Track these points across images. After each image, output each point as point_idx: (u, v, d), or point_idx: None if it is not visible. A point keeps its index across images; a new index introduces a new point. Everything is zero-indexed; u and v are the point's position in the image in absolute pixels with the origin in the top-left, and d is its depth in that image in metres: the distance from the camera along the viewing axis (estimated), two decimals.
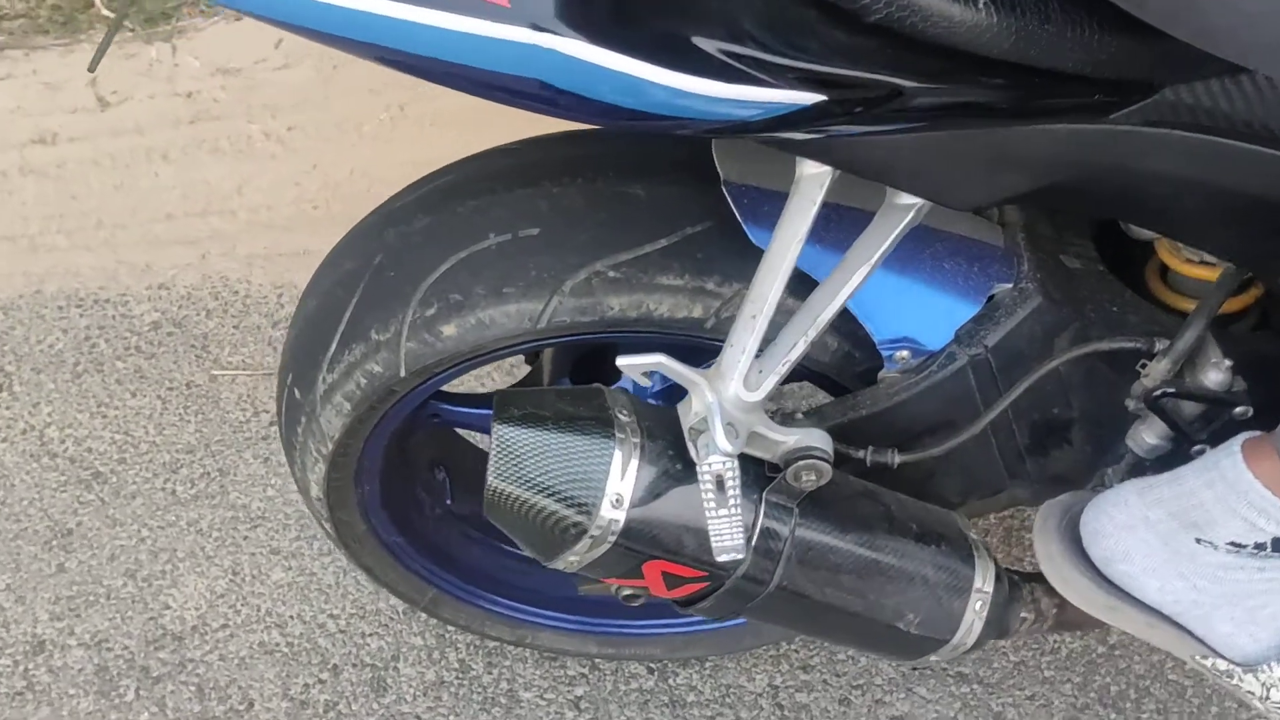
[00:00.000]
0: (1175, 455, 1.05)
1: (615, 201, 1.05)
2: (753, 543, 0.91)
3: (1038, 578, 1.13)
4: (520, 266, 1.03)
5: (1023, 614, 1.09)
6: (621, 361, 0.86)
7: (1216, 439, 1.00)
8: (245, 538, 1.74)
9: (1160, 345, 0.99)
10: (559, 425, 0.91)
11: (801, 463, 0.89)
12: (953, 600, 1.00)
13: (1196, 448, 1.03)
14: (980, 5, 0.69)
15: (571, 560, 0.93)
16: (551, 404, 0.93)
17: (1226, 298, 0.97)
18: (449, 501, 1.39)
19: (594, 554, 0.91)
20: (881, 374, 1.04)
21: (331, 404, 1.13)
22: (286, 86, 2.28)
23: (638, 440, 0.89)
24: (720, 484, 0.86)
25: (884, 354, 1.02)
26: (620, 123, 0.73)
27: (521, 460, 0.90)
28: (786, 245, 0.85)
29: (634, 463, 0.89)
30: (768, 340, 0.91)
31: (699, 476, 0.87)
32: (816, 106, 0.72)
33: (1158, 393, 0.98)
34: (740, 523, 0.87)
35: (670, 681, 1.54)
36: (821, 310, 0.89)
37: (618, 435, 0.89)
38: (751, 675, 1.53)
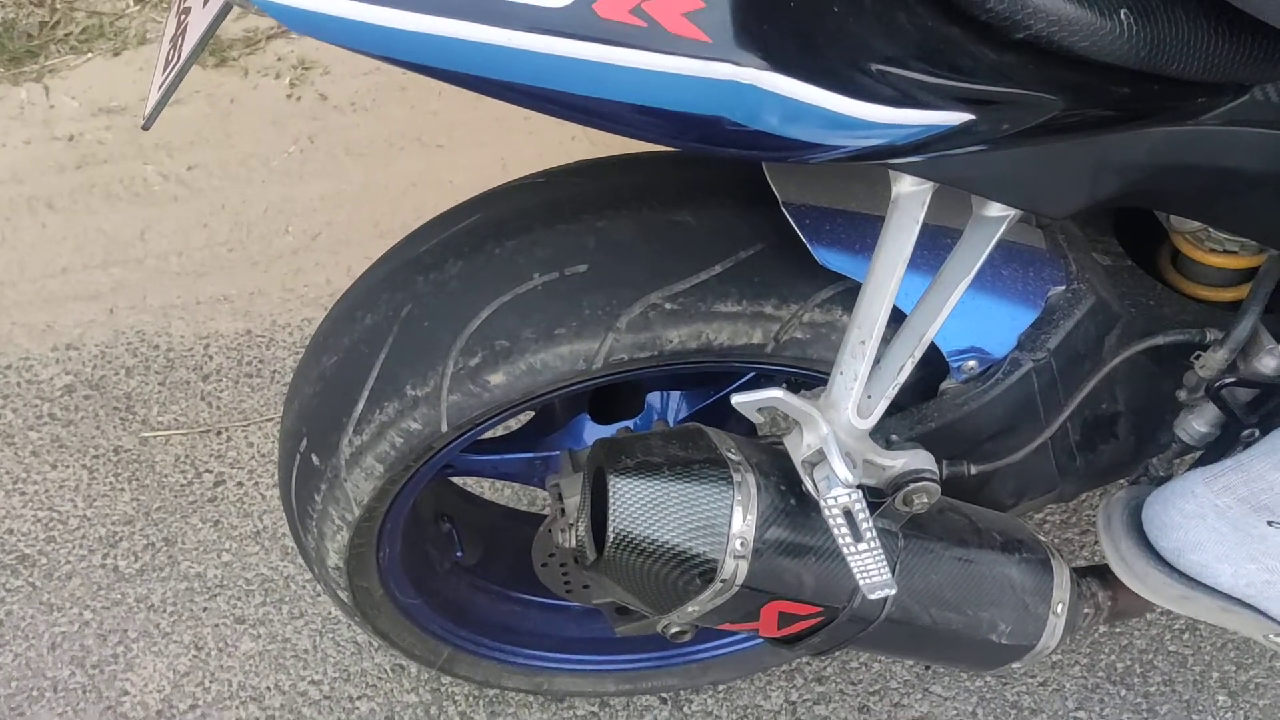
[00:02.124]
0: (1222, 441, 1.07)
1: (664, 230, 1.00)
2: None
3: (1092, 571, 1.14)
4: (571, 305, 0.98)
5: (1085, 609, 1.10)
6: (738, 400, 0.82)
7: (1266, 423, 1.02)
8: (204, 609, 1.63)
9: (1213, 336, 1.01)
10: (675, 472, 0.86)
11: (913, 486, 0.87)
12: (1038, 606, 1.00)
13: (1246, 432, 1.04)
14: (1122, 17, 0.68)
15: (692, 611, 0.88)
16: (661, 449, 0.88)
17: (1275, 285, 1.00)
18: (459, 554, 1.32)
19: (717, 602, 0.87)
20: (944, 385, 1.02)
21: (361, 467, 1.05)
22: (180, 124, 2.15)
23: (753, 479, 0.86)
24: (850, 517, 0.83)
25: (952, 365, 1.00)
26: (769, 155, 0.70)
27: (643, 513, 0.85)
28: (890, 266, 0.83)
29: (753, 504, 0.85)
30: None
31: (825, 512, 0.84)
32: (964, 126, 0.71)
33: (1218, 383, 1.00)
34: (883, 556, 0.85)
35: (685, 710, 1.50)
36: (926, 328, 0.87)
37: (734, 477, 0.86)
38: (767, 693, 1.51)
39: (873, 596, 0.85)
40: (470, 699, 1.52)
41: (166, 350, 1.87)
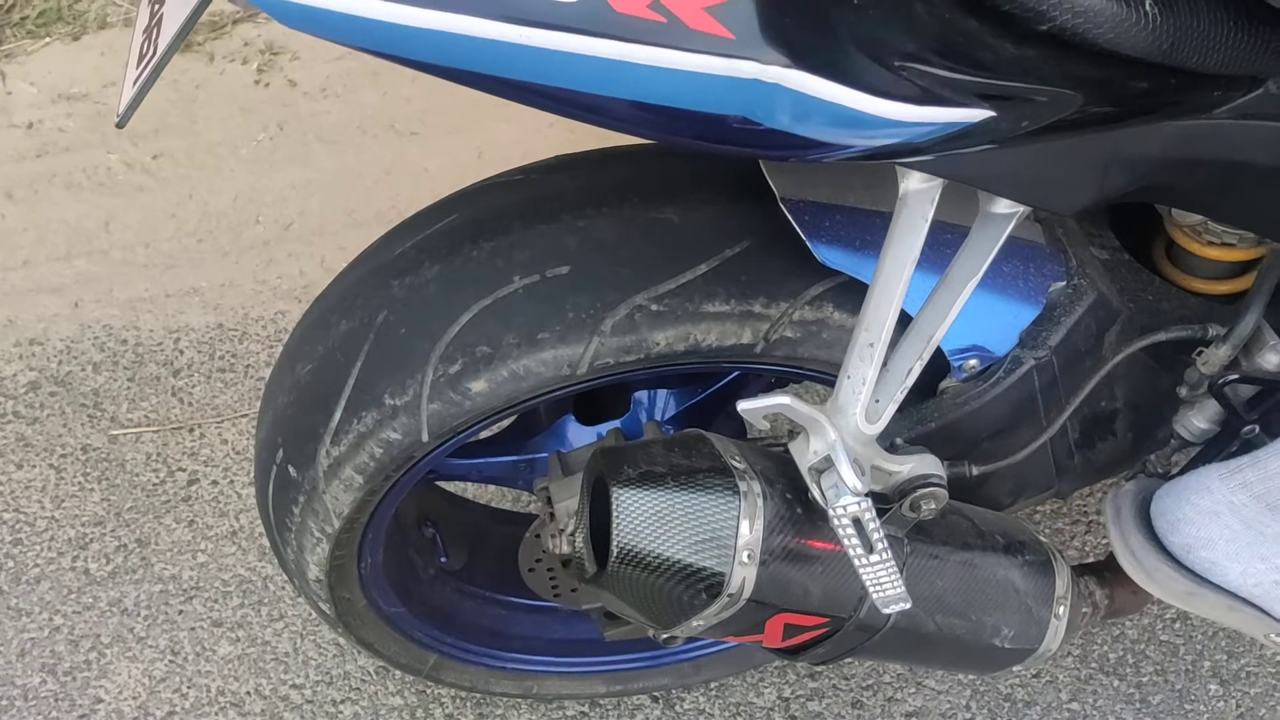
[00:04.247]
0: (1222, 438, 1.04)
1: (647, 229, 0.97)
2: None
3: (1089, 570, 1.12)
4: (554, 309, 0.94)
5: (1083, 609, 1.07)
6: (744, 406, 0.79)
7: (1267, 420, 1.00)
8: (180, 612, 1.59)
9: (1214, 331, 0.98)
10: (679, 482, 0.83)
11: (921, 491, 0.84)
12: (1040, 609, 0.97)
13: (1246, 429, 1.02)
14: (1147, 8, 0.65)
15: (697, 625, 0.85)
16: (663, 458, 0.85)
17: (1278, 280, 0.97)
18: (443, 559, 1.28)
19: (723, 616, 0.84)
20: (944, 384, 0.99)
21: (339, 479, 1.01)
22: (144, 111, 2.05)
23: (759, 488, 0.83)
24: (859, 527, 0.80)
25: (953, 364, 0.97)
26: (775, 153, 0.67)
27: (647, 526, 0.82)
28: (899, 266, 0.80)
29: (759, 513, 0.82)
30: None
31: (834, 521, 0.81)
32: (983, 123, 0.67)
33: (1220, 379, 0.97)
34: (895, 567, 0.82)
35: (677, 708, 1.48)
36: (934, 330, 0.83)
37: (740, 486, 0.82)
38: (759, 690, 1.48)
39: (887, 610, 0.82)
40: (457, 701, 1.49)
41: (135, 345, 1.82)
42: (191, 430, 1.74)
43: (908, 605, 0.82)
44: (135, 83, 0.72)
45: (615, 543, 0.82)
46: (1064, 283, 0.99)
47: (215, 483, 1.69)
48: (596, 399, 1.19)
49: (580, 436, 1.20)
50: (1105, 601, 1.10)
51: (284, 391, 1.05)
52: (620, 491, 0.82)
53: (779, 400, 0.79)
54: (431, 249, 0.99)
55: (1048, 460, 1.06)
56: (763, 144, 0.66)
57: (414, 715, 1.49)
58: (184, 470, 1.70)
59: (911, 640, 0.92)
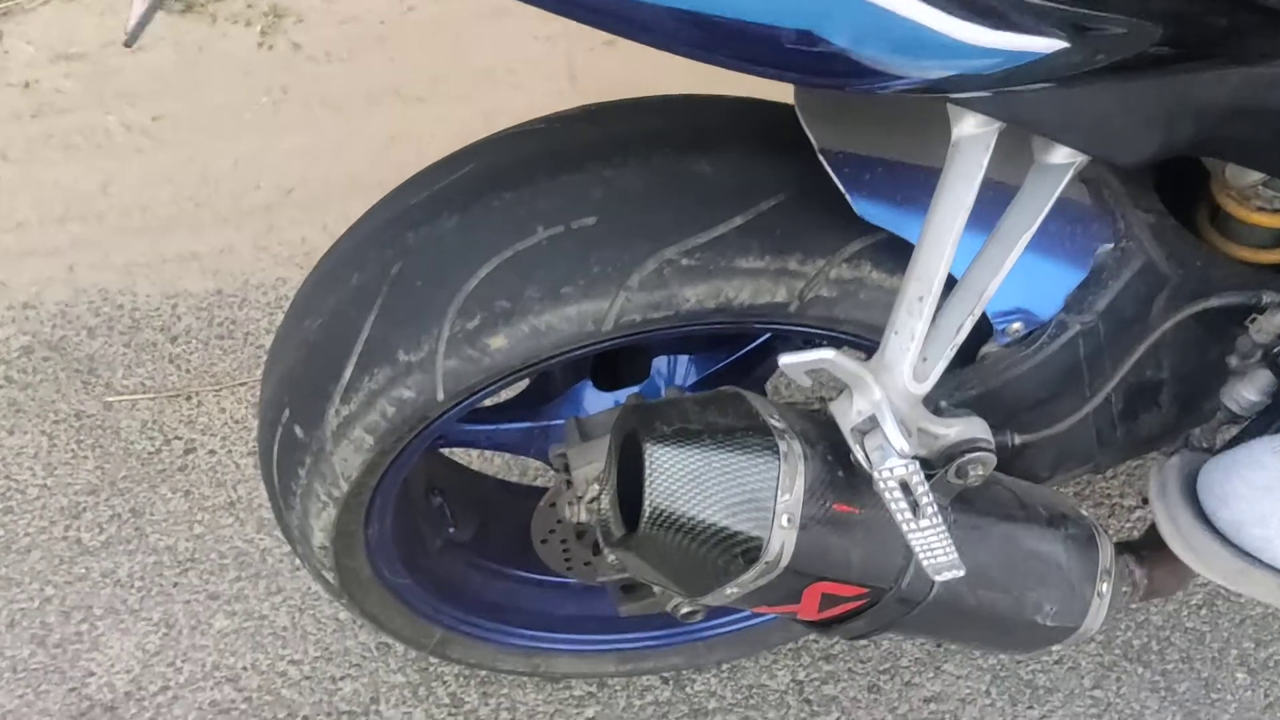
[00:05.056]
0: (1273, 410, 1.00)
1: (678, 180, 0.92)
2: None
3: (1126, 547, 1.07)
4: (579, 262, 0.89)
5: (1123, 588, 1.03)
6: (786, 360, 0.74)
7: None
8: (175, 584, 1.54)
9: (1270, 298, 0.94)
10: (716, 441, 0.78)
11: (968, 456, 0.79)
12: (1083, 585, 0.93)
13: None
14: None
15: (730, 593, 0.80)
16: (698, 415, 0.80)
17: None
18: (451, 530, 1.24)
19: (760, 583, 0.79)
20: (985, 349, 0.95)
21: (349, 439, 0.96)
22: (144, 72, 2.03)
23: (799, 449, 0.78)
24: (906, 491, 0.76)
25: (996, 327, 0.93)
26: (834, 81, 0.62)
27: (682, 486, 0.77)
28: (951, 216, 0.75)
29: (799, 475, 0.77)
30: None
31: (878, 485, 0.76)
32: (1055, 55, 0.62)
33: (1277, 348, 0.92)
34: (947, 533, 0.77)
35: (688, 690, 1.43)
36: (985, 285, 0.79)
37: (779, 446, 0.77)
38: (773, 673, 1.44)
39: (939, 579, 0.77)
40: (461, 679, 1.44)
41: (131, 310, 1.77)
42: (189, 398, 1.69)
43: (961, 572, 0.77)
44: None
45: (647, 503, 0.77)
46: (1112, 245, 0.94)
47: (213, 452, 1.64)
48: (615, 364, 1.14)
49: (597, 403, 1.15)
50: (1144, 581, 1.06)
51: (291, 348, 1.00)
52: (654, 448, 0.77)
53: (822, 354, 0.74)
54: (450, 199, 0.94)
55: (1089, 431, 1.01)
56: (814, 68, 0.62)
57: (416, 693, 1.44)
58: (180, 439, 1.65)
59: (951, 615, 0.87)
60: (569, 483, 1.05)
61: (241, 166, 1.92)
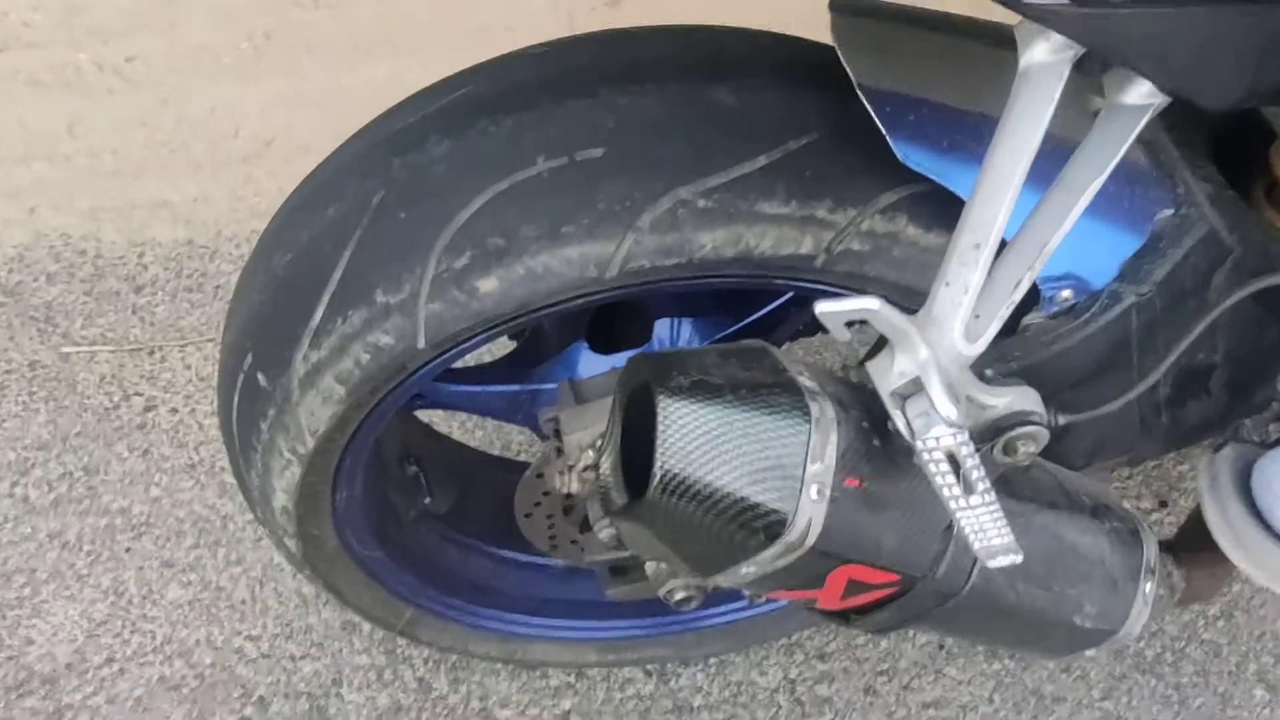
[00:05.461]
0: None
1: (698, 111, 0.82)
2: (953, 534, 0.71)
3: (1164, 547, 0.98)
4: (583, 198, 0.80)
5: (1160, 591, 0.94)
6: (823, 307, 0.65)
7: None
8: (127, 550, 1.44)
9: None
10: (740, 397, 0.68)
11: (1019, 430, 0.70)
12: (1126, 584, 0.84)
13: None
14: None
15: (746, 573, 0.70)
16: (719, 368, 0.70)
17: None
18: (427, 500, 1.14)
19: (780, 563, 0.69)
20: (1028, 319, 0.85)
21: (317, 389, 0.86)
22: (118, 9, 1.91)
23: (832, 412, 0.68)
24: (954, 464, 0.66)
25: (1044, 293, 0.83)
26: None
27: (700, 446, 0.67)
28: (1015, 154, 0.66)
29: (831, 441, 0.67)
30: None
31: (923, 456, 0.67)
32: None
33: None
34: (1001, 512, 0.67)
35: (672, 684, 1.34)
36: (1047, 238, 0.69)
37: (811, 407, 0.68)
38: (763, 669, 1.34)
39: (993, 563, 0.68)
40: (430, 663, 1.34)
41: (95, 257, 1.66)
42: (152, 352, 1.58)
43: (1018, 558, 0.68)
44: None
45: (659, 465, 0.67)
46: (1172, 211, 0.85)
47: (175, 410, 1.53)
48: (614, 323, 1.05)
49: (592, 366, 1.05)
50: (1182, 584, 0.97)
51: (257, 286, 0.90)
52: (669, 402, 0.67)
53: (866, 303, 0.64)
54: (441, 123, 0.85)
55: (1133, 416, 0.92)
56: None
57: (381, 676, 1.34)
58: (140, 395, 1.55)
59: (986, 611, 0.78)
60: (559, 450, 0.95)
61: (219, 113, 1.81)
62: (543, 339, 1.06)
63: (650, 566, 0.98)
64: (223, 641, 1.37)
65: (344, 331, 0.84)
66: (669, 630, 1.25)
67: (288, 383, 0.87)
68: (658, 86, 0.83)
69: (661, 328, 1.06)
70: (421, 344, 0.83)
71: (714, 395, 0.68)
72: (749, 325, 1.06)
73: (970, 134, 0.81)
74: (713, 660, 1.34)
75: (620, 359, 1.05)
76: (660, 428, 0.67)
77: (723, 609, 1.23)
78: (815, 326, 1.16)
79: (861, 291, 0.86)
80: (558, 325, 1.06)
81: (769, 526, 0.67)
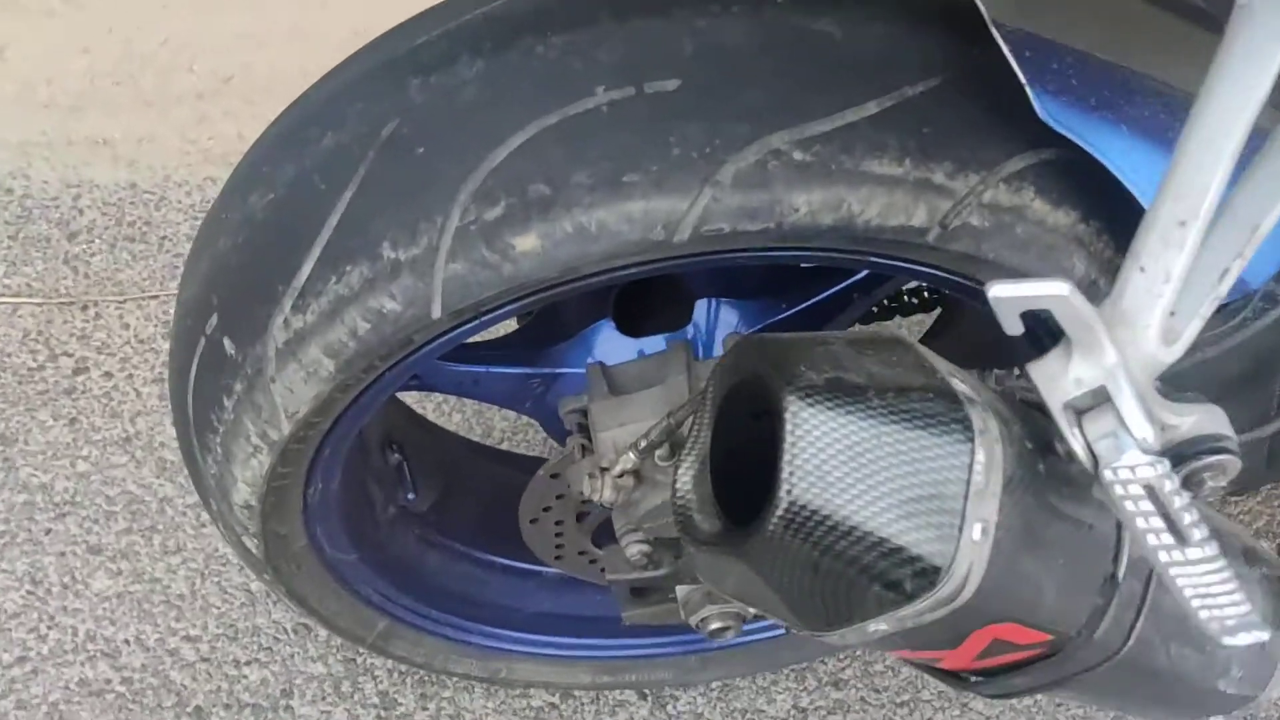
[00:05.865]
0: None
1: (796, 42, 0.67)
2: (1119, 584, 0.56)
3: None
4: (652, 140, 0.65)
5: None
6: (999, 291, 0.50)
7: None
8: (48, 531, 1.27)
9: None
10: (886, 403, 0.52)
11: (1209, 460, 0.55)
12: (1277, 640, 0.70)
13: None
14: None
15: (875, 630, 0.54)
16: (855, 362, 0.54)
17: None
18: (409, 496, 0.98)
19: (926, 619, 0.53)
20: None
21: (299, 362, 0.70)
22: None
23: (995, 428, 0.53)
24: (1156, 500, 0.51)
25: None
26: None
27: (840, 467, 0.51)
28: (1231, 109, 0.51)
29: (997, 465, 0.52)
30: None
31: (1112, 491, 0.52)
32: None
33: None
34: (1228, 567, 0.52)
35: (669, 709, 1.19)
36: (1261, 216, 0.55)
37: (972, 418, 0.52)
38: (771, 696, 1.20)
39: (1234, 642, 0.53)
40: (395, 675, 1.18)
41: (23, 196, 1.48)
42: (85, 308, 1.40)
43: (1265, 635, 0.53)
44: None
45: (784, 489, 0.51)
46: None
47: (109, 374, 1.36)
48: (647, 301, 0.89)
49: (615, 351, 0.90)
50: None
51: (227, 230, 0.73)
52: (800, 407, 0.51)
53: (1054, 288, 0.50)
54: (473, 39, 0.68)
55: (1263, 447, 0.79)
56: None
57: (339, 688, 1.18)
58: (70, 355, 1.37)
59: (1134, 676, 0.63)
60: (585, 448, 0.80)
61: (172, 45, 1.64)
62: (560, 312, 0.91)
63: (682, 591, 0.83)
64: (156, 641, 1.21)
65: (338, 292, 0.68)
66: (672, 651, 1.10)
67: (261, 352, 0.71)
68: (748, 9, 0.67)
69: (701, 309, 0.91)
70: (437, 313, 0.67)
71: (855, 400, 0.52)
72: (802, 311, 0.91)
73: (1123, 91, 0.67)
74: (715, 684, 1.20)
75: (650, 343, 0.89)
76: (788, 440, 0.51)
77: None
78: (881, 314, 1.02)
79: (965, 279, 0.71)
80: (578, 298, 0.90)
81: (919, 574, 0.52)
